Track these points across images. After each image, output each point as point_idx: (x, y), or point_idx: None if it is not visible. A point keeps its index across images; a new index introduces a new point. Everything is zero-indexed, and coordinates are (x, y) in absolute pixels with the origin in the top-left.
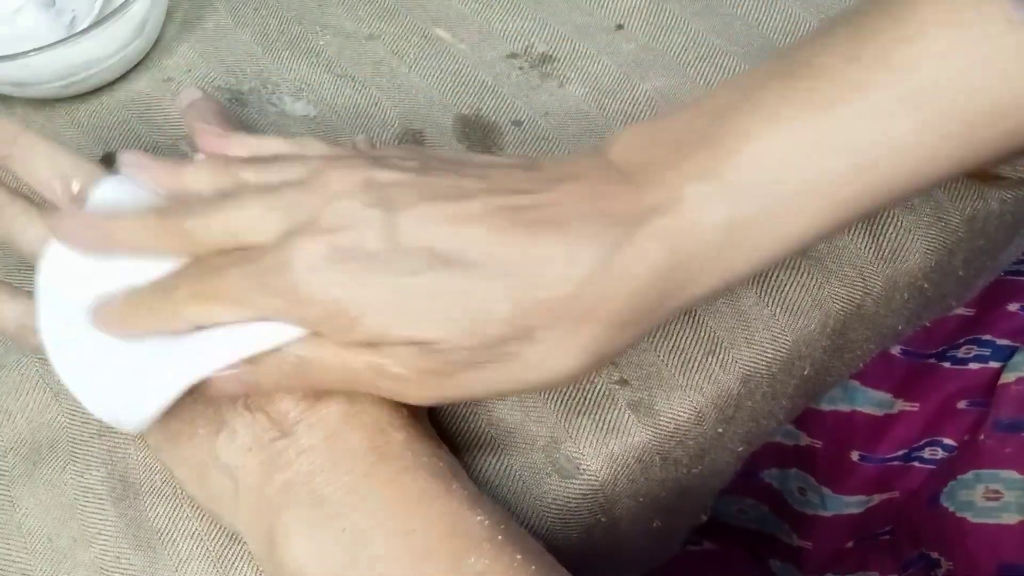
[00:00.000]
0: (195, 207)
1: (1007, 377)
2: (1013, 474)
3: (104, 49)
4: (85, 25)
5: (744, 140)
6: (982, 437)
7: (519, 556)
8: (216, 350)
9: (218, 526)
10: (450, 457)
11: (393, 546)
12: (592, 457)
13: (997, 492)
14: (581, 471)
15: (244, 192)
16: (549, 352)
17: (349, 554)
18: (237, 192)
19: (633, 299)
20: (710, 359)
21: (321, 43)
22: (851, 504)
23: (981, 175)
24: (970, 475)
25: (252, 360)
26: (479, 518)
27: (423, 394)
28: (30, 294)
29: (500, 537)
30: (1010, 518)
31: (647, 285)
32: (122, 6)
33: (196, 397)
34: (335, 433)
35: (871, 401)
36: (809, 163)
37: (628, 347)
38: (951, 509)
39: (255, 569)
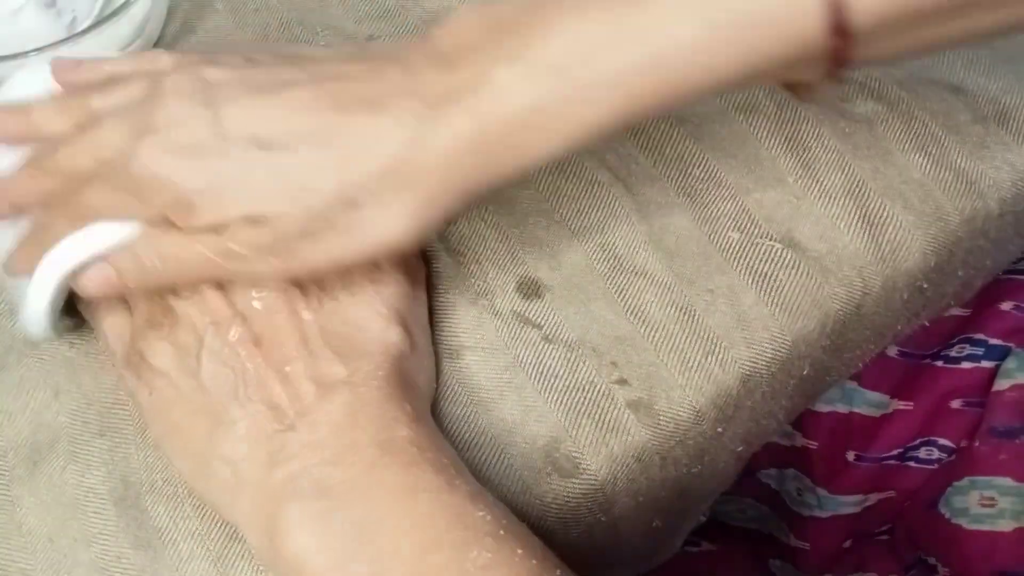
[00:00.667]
0: (60, 144)
1: (1000, 384)
2: (1008, 481)
3: (104, 49)
4: (85, 25)
5: (551, 29)
6: (977, 443)
7: (520, 551)
8: (68, 250)
9: (218, 525)
10: (453, 454)
11: (397, 538)
12: (592, 457)
13: (992, 499)
14: (581, 471)
15: (96, 117)
16: (375, 218)
17: (353, 545)
18: (90, 119)
19: (446, 170)
20: (710, 359)
21: (321, 43)
22: (847, 504)
23: (793, 88)
24: (965, 481)
25: (111, 260)
26: (481, 513)
27: (269, 268)
28: None
29: (502, 532)
30: (1005, 525)
31: (458, 158)
32: (122, 6)
33: (197, 388)
34: (340, 428)
35: (869, 402)
36: (607, 55)
37: (450, 215)
38: (947, 515)
39: (255, 568)
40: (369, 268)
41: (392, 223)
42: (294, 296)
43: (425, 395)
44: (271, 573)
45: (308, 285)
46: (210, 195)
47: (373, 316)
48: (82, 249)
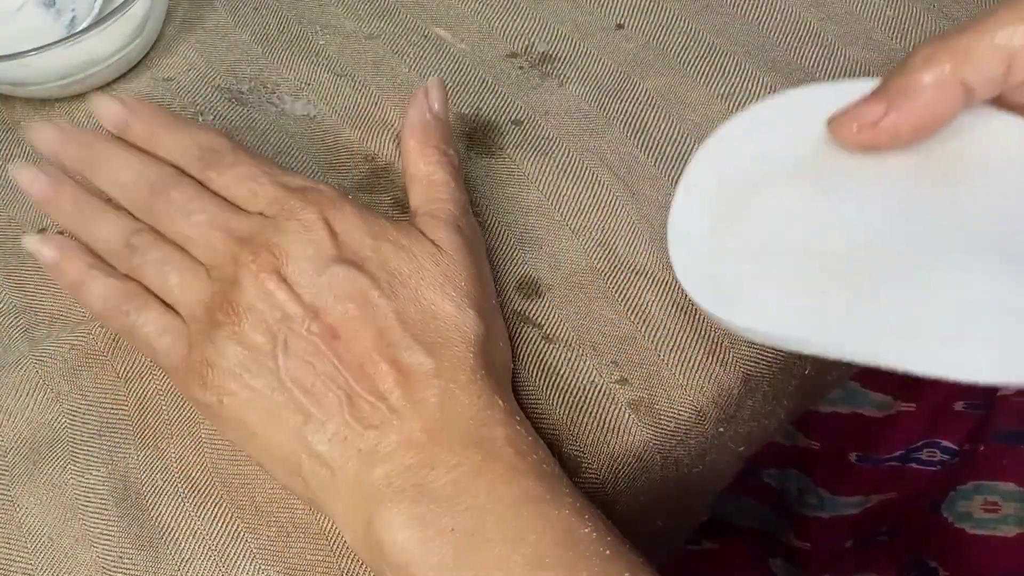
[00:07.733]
0: None
1: (1006, 388)
2: (1011, 486)
3: (104, 49)
4: (85, 25)
5: None
6: (981, 448)
7: (627, 574)
8: None
9: (220, 524)
10: (547, 452)
11: (505, 552)
12: (593, 456)
13: (995, 504)
14: (582, 470)
15: None
16: None
17: (458, 553)
18: None
19: None
20: (711, 358)
21: (321, 42)
22: (849, 505)
23: None
24: (969, 486)
25: None
26: (587, 530)
27: None
28: (124, 277)
29: (607, 551)
30: (1008, 530)
31: None
32: (122, 6)
33: (277, 388)
34: (433, 424)
35: (872, 403)
36: None
37: None
38: (949, 519)
39: (257, 568)
40: (432, 250)
41: None
42: (363, 283)
43: (506, 382)
44: (371, 569)
45: (376, 271)
46: None
47: (445, 300)
48: None
